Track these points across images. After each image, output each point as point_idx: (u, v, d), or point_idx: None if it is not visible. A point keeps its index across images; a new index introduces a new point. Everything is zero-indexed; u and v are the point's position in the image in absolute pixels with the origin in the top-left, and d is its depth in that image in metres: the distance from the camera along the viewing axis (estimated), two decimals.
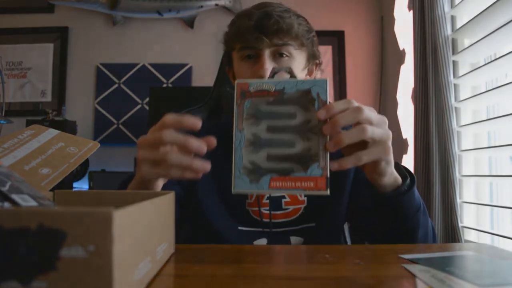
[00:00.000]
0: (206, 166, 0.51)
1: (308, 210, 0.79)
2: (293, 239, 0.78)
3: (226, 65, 0.88)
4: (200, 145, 0.50)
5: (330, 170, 0.50)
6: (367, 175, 0.60)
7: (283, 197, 0.78)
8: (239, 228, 0.78)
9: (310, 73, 0.85)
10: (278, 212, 0.78)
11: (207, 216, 0.78)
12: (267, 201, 0.78)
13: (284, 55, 0.76)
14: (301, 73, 0.80)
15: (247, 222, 0.78)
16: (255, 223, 0.78)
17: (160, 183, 0.59)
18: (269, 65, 0.74)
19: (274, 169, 0.50)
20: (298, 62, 0.78)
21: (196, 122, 0.51)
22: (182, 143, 0.50)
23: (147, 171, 0.53)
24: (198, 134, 0.53)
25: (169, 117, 0.52)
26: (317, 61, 0.85)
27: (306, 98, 0.51)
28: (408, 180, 0.62)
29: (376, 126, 0.51)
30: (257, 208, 0.78)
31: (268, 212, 0.78)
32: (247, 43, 0.75)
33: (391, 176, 0.59)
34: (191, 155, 0.52)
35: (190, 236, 0.84)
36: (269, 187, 0.50)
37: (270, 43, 0.74)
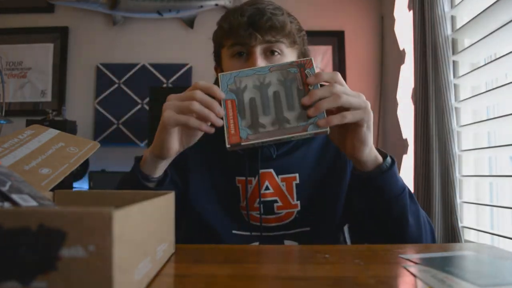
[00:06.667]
0: (220, 121, 0.59)
1: (302, 215, 0.78)
2: (287, 244, 0.77)
3: (214, 62, 0.87)
4: (221, 109, 0.59)
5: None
6: (348, 148, 0.64)
7: (275, 201, 0.77)
8: (233, 231, 0.78)
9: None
10: (271, 217, 0.77)
11: (203, 218, 0.78)
12: (260, 205, 0.77)
13: (276, 53, 0.75)
14: None
15: (240, 226, 0.78)
16: (248, 227, 0.77)
17: (176, 141, 0.63)
18: (260, 62, 0.73)
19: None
20: (288, 60, 0.77)
21: (221, 94, 0.60)
22: (208, 102, 0.59)
23: (170, 115, 0.59)
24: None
25: (201, 82, 0.61)
26: None
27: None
28: (389, 158, 0.66)
29: (352, 96, 0.59)
30: (248, 212, 0.77)
31: (262, 216, 0.77)
32: (240, 40, 0.74)
33: (371, 151, 0.63)
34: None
35: (187, 237, 0.84)
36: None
37: (263, 40, 0.73)
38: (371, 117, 0.60)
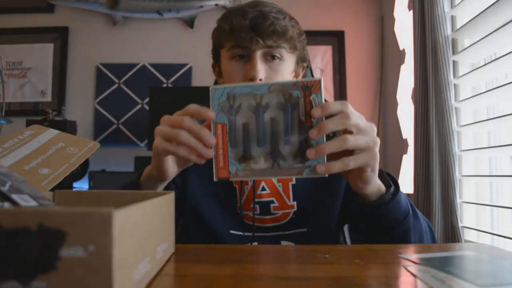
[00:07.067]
0: (210, 153, 0.55)
1: (299, 215, 0.78)
2: (284, 244, 0.77)
3: (212, 60, 0.86)
4: (210, 138, 0.55)
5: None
6: (350, 184, 0.60)
7: (272, 201, 0.77)
8: (231, 231, 0.78)
9: (296, 75, 0.83)
10: (267, 217, 0.77)
11: (202, 218, 0.79)
12: (256, 205, 0.77)
13: (276, 58, 0.74)
14: (289, 76, 0.78)
15: (237, 226, 0.78)
16: (245, 227, 0.78)
17: (171, 165, 0.62)
18: (260, 66, 0.72)
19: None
20: (288, 65, 0.77)
21: (211, 114, 0.55)
22: (196, 131, 0.55)
23: (159, 144, 0.58)
24: None
25: (192, 106, 0.57)
26: (305, 64, 0.84)
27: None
28: (392, 188, 0.62)
29: (362, 134, 0.53)
30: (244, 212, 0.78)
31: (258, 216, 0.77)
32: (240, 43, 0.73)
33: (375, 185, 0.59)
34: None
35: (186, 237, 0.84)
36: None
37: (264, 45, 0.72)
38: (377, 160, 0.55)
